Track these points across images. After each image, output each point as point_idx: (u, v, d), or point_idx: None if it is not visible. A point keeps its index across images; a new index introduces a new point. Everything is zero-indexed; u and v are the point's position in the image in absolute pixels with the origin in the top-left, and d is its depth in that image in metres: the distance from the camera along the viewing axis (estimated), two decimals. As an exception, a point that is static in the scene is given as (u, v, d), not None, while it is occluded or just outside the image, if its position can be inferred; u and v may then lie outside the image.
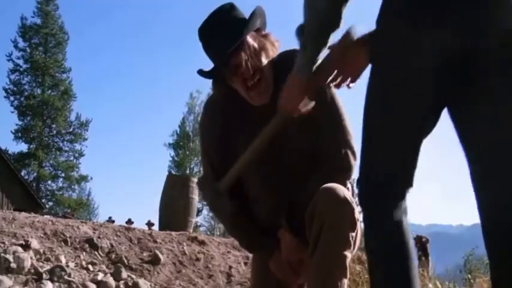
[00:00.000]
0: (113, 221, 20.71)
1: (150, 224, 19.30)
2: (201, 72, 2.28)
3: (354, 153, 2.27)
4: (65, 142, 40.74)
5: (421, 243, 19.28)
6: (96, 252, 6.37)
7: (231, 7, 2.23)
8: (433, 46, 1.60)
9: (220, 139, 2.39)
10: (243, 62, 2.14)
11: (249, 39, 2.17)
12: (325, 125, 2.26)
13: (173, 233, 7.88)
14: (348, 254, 2.11)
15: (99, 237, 6.68)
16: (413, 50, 1.64)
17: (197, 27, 2.23)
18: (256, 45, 2.18)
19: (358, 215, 2.13)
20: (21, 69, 39.70)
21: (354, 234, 2.13)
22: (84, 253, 6.24)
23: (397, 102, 1.73)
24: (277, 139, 2.18)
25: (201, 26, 2.22)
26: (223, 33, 2.14)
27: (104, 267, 6.05)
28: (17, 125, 39.16)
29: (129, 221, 21.49)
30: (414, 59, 1.65)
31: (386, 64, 1.73)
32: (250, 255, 2.81)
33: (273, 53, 2.25)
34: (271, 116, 2.12)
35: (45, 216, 9.15)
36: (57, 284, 5.16)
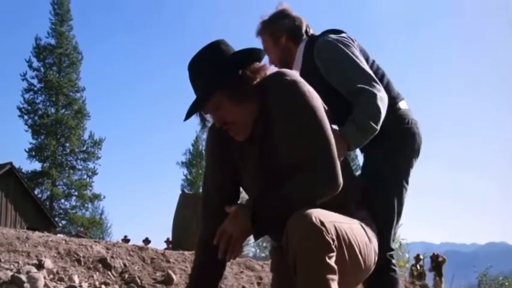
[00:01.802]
0: (128, 240, 20.75)
1: (169, 242, 19.30)
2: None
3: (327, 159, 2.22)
4: (78, 161, 40.91)
5: (437, 263, 19.12)
6: (109, 272, 6.35)
7: (215, 49, 2.34)
8: None
9: (215, 161, 2.61)
10: (211, 115, 2.38)
11: (215, 97, 2.28)
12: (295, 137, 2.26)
13: (186, 252, 7.85)
14: (331, 277, 2.03)
15: (112, 257, 6.66)
16: None
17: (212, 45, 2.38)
18: (223, 100, 2.28)
19: (333, 232, 2.07)
20: (35, 88, 40.00)
21: (332, 254, 2.05)
22: (97, 273, 6.22)
23: None
24: (258, 161, 2.37)
25: (188, 64, 2.36)
26: (197, 85, 2.33)
27: (117, 287, 6.03)
28: (30, 143, 39.40)
29: (147, 240, 21.50)
30: None
31: None
32: (263, 275, 2.82)
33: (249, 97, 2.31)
34: (255, 142, 2.36)
35: (58, 235, 9.16)
36: (70, 304, 5.15)
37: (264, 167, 2.39)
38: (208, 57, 2.32)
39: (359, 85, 2.79)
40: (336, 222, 2.14)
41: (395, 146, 2.97)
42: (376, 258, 2.40)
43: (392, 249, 3.12)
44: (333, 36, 3.03)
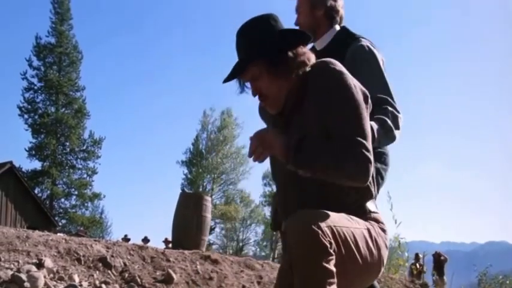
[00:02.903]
0: (129, 239, 20.76)
1: (167, 242, 19.31)
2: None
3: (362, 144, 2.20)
4: (79, 160, 40.93)
5: (439, 262, 19.11)
6: (109, 271, 6.36)
7: (265, 22, 2.41)
8: None
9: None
10: (249, 83, 2.43)
11: (255, 67, 2.36)
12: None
13: (186, 251, 7.86)
14: (328, 281, 2.03)
15: (112, 256, 6.67)
16: None
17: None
18: (262, 72, 2.36)
19: (330, 235, 2.07)
20: (35, 87, 40.04)
21: (330, 258, 2.04)
22: (97, 272, 6.23)
23: None
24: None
25: (237, 30, 2.45)
26: (241, 50, 2.42)
27: (117, 286, 6.04)
28: (30, 142, 39.45)
29: (146, 239, 21.51)
30: None
31: None
32: (263, 274, 2.81)
33: (287, 74, 2.36)
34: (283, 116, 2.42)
35: (58, 234, 9.16)
36: (70, 303, 5.16)
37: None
38: (258, 28, 2.39)
39: (385, 96, 2.94)
40: (336, 224, 2.13)
41: None
42: (385, 261, 2.38)
43: None
44: (375, 48, 3.15)
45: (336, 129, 2.23)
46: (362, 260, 2.22)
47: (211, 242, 46.04)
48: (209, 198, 11.27)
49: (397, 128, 2.86)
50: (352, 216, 2.27)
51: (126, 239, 21.21)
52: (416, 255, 17.91)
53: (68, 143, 40.21)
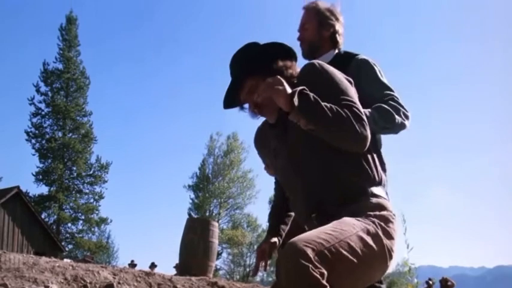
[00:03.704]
0: (135, 265, 20.66)
1: (177, 267, 19.21)
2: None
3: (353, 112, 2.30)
4: (85, 184, 40.98)
5: (446, 287, 18.91)
6: (116, 298, 6.32)
7: (252, 43, 2.60)
8: None
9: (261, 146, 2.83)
10: (246, 100, 2.59)
11: (248, 82, 2.55)
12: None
13: (193, 278, 7.82)
14: None
15: (119, 283, 6.63)
16: None
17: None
18: (256, 84, 2.50)
19: (323, 262, 2.05)
20: (42, 112, 40.25)
21: None
22: (104, 299, 6.20)
23: None
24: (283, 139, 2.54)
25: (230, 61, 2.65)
26: (232, 73, 2.62)
27: (124, 313, 6.00)
28: (38, 167, 39.55)
29: (153, 265, 21.41)
30: None
31: None
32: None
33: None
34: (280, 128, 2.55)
35: (65, 260, 9.14)
36: (77, 330, 5.12)
37: (289, 143, 2.52)
38: (249, 48, 2.59)
39: (390, 93, 3.02)
40: (327, 245, 2.10)
41: None
42: (393, 256, 2.34)
43: None
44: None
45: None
46: (363, 263, 2.20)
47: (218, 267, 45.86)
48: (216, 224, 11.23)
49: (399, 115, 2.90)
50: (346, 220, 2.26)
51: (132, 264, 21.11)
52: (428, 282, 17.75)
53: (74, 168, 40.30)
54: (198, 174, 47.62)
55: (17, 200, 28.58)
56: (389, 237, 2.32)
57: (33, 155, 39.64)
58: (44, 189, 39.70)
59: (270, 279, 49.27)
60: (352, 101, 2.33)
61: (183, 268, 10.14)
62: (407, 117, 2.91)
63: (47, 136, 39.83)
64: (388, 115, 2.83)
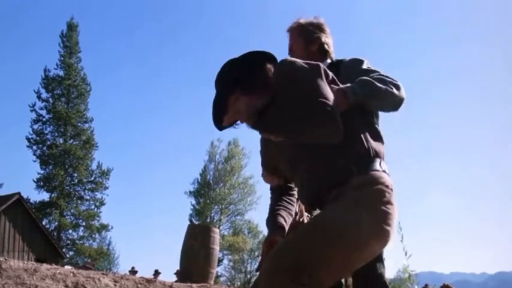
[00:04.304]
0: (136, 272, 20.63)
1: (178, 274, 19.19)
2: None
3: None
4: (86, 191, 40.98)
5: (447, 293, 18.86)
6: (117, 305, 6.33)
7: (226, 63, 2.60)
8: None
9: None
10: (232, 120, 2.58)
11: (231, 99, 2.52)
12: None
13: (194, 285, 7.82)
14: None
15: (120, 290, 6.64)
16: None
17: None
18: (235, 105, 2.51)
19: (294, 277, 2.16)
20: (43, 119, 40.29)
21: None
22: (105, 306, 6.20)
23: None
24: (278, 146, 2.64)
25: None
26: (215, 98, 2.60)
27: (124, 320, 6.00)
28: (39, 174, 39.55)
29: (157, 272, 21.37)
30: None
31: None
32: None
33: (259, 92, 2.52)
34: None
35: (66, 267, 9.14)
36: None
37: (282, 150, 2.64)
38: (225, 69, 2.59)
39: (379, 73, 2.91)
40: (315, 265, 2.21)
41: None
42: (387, 229, 2.37)
43: None
44: None
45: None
46: (360, 246, 2.28)
47: (219, 274, 45.77)
48: (217, 230, 11.23)
49: (384, 84, 2.77)
50: (318, 216, 2.45)
51: (133, 271, 21.08)
52: (426, 286, 17.71)
53: (76, 174, 40.30)
54: (199, 180, 47.62)
55: (18, 207, 28.56)
56: (377, 211, 2.34)
57: (34, 161, 39.72)
58: (45, 196, 39.73)
59: None
60: (321, 100, 2.35)
61: (184, 275, 10.13)
62: (397, 87, 2.77)
63: (48, 142, 39.85)
64: (368, 84, 2.72)
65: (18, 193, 28.70)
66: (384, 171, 2.48)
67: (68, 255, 36.35)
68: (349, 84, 2.69)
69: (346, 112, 2.47)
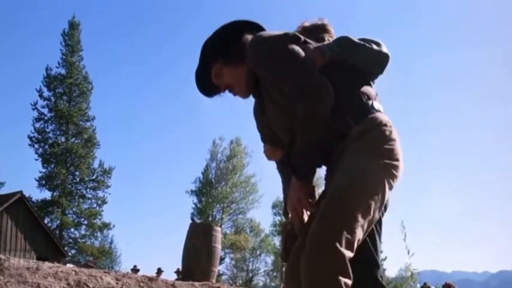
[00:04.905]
0: (138, 270, 20.66)
1: (179, 273, 19.22)
2: None
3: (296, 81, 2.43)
4: (88, 189, 40.98)
5: (449, 292, 18.84)
6: (119, 304, 6.32)
7: (211, 37, 2.75)
8: None
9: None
10: (216, 83, 2.75)
11: (213, 67, 2.72)
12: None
13: (196, 283, 7.81)
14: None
15: (122, 288, 6.63)
16: None
17: None
18: (221, 68, 2.70)
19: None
20: (45, 117, 40.30)
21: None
22: (107, 304, 6.19)
23: None
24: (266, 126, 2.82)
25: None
26: (199, 65, 2.78)
27: (126, 318, 5.99)
28: (40, 172, 39.55)
29: (159, 271, 21.40)
30: None
31: None
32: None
33: (240, 61, 2.65)
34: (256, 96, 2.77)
35: (68, 265, 9.13)
36: (80, 336, 5.11)
37: (268, 114, 2.72)
38: (208, 39, 2.74)
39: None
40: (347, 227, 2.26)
41: None
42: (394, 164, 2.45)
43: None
44: None
45: (282, 87, 2.49)
46: (378, 189, 2.37)
47: (221, 272, 45.81)
48: (219, 229, 11.23)
49: (364, 41, 2.75)
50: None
51: (135, 269, 21.11)
52: (425, 285, 17.69)
53: (77, 173, 40.31)
54: (201, 179, 47.60)
55: (20, 205, 28.62)
56: (382, 151, 2.42)
57: (36, 160, 39.74)
58: (47, 194, 39.77)
59: (273, 284, 49.26)
60: (301, 84, 2.41)
61: (186, 273, 10.13)
62: (377, 43, 2.76)
63: (50, 141, 39.86)
64: (344, 39, 2.72)
65: (20, 192, 28.75)
66: (379, 111, 2.55)
67: (69, 254, 36.41)
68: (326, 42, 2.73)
69: (331, 72, 2.51)
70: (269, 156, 2.98)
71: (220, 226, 37.46)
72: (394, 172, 2.43)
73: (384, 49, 2.74)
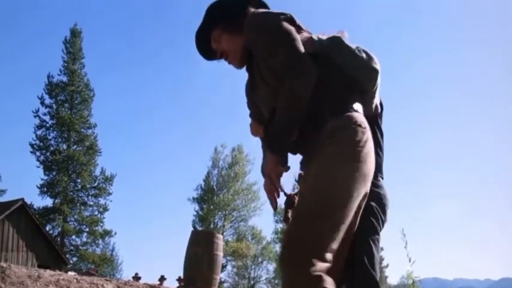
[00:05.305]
0: (139, 278, 20.61)
1: (181, 280, 19.18)
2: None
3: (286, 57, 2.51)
4: (90, 197, 40.93)
5: (450, 300, 18.81)
6: (120, 312, 6.31)
7: (215, 3, 2.85)
8: None
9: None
10: (215, 48, 2.84)
11: (213, 32, 2.81)
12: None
13: (198, 291, 7.79)
14: None
15: (123, 296, 6.62)
16: None
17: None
18: (220, 34, 2.79)
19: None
20: (47, 125, 40.32)
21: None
22: (108, 312, 6.18)
23: None
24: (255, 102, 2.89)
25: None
26: (199, 27, 2.87)
27: (128, 326, 5.98)
28: (42, 179, 39.52)
29: (162, 278, 21.35)
30: None
31: None
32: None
33: (239, 30, 2.74)
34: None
35: (69, 273, 9.12)
36: None
37: (256, 91, 2.79)
38: (213, 4, 2.84)
39: None
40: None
41: None
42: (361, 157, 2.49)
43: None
44: None
45: (274, 65, 2.55)
46: (352, 196, 2.41)
47: (223, 280, 45.71)
48: (220, 236, 11.21)
49: (356, 48, 2.78)
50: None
51: (136, 277, 21.07)
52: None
53: (79, 180, 40.28)
54: (202, 186, 47.59)
55: (22, 213, 28.62)
56: (354, 155, 2.45)
57: (38, 167, 39.71)
58: (48, 202, 39.73)
59: (275, 291, 49.12)
60: (289, 69, 2.48)
61: (187, 281, 10.11)
62: (369, 56, 2.76)
63: (52, 148, 39.86)
64: (337, 39, 2.74)
65: (22, 199, 28.77)
66: (356, 111, 2.57)
67: (71, 261, 36.35)
68: (319, 34, 2.75)
69: (321, 65, 2.56)
70: (253, 133, 3.05)
71: (222, 233, 37.45)
72: (365, 175, 2.47)
73: (374, 63, 2.75)
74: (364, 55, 2.72)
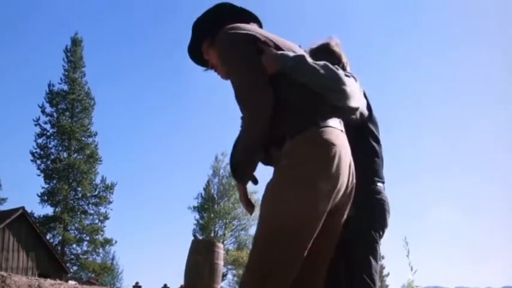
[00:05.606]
0: (140, 287, 20.61)
1: (183, 290, 19.16)
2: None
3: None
4: (90, 205, 40.90)
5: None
6: (121, 321, 6.29)
7: (203, 15, 2.85)
8: None
9: None
10: (206, 58, 2.88)
11: (203, 46, 2.85)
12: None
13: (198, 300, 7.77)
14: None
15: (124, 305, 6.60)
16: None
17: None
18: (208, 48, 2.82)
19: None
20: (48, 133, 40.37)
21: None
22: (109, 322, 6.16)
23: None
24: None
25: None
26: (192, 38, 2.89)
27: (128, 336, 5.96)
28: (43, 188, 39.54)
29: (165, 287, 21.36)
30: None
31: None
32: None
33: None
34: None
35: (70, 282, 9.12)
36: None
37: None
38: (199, 18, 2.84)
39: None
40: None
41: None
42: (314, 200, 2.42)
43: None
44: None
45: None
46: (310, 218, 2.40)
47: (223, 288, 45.64)
48: (221, 245, 11.17)
49: (322, 68, 2.60)
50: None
51: (137, 286, 21.06)
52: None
53: (79, 189, 40.27)
54: (203, 194, 47.50)
55: (22, 221, 28.61)
56: (308, 179, 2.39)
57: (38, 175, 39.73)
58: (49, 210, 39.70)
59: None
60: (245, 96, 2.51)
61: (188, 290, 10.08)
62: (342, 82, 2.59)
63: (52, 157, 39.89)
64: (301, 58, 2.57)
65: (22, 207, 28.77)
66: (324, 127, 2.46)
67: (71, 270, 36.31)
68: (286, 52, 2.60)
69: (289, 83, 2.53)
70: None
71: (223, 242, 37.40)
72: (323, 195, 2.41)
73: (340, 84, 2.58)
74: (329, 74, 2.56)
